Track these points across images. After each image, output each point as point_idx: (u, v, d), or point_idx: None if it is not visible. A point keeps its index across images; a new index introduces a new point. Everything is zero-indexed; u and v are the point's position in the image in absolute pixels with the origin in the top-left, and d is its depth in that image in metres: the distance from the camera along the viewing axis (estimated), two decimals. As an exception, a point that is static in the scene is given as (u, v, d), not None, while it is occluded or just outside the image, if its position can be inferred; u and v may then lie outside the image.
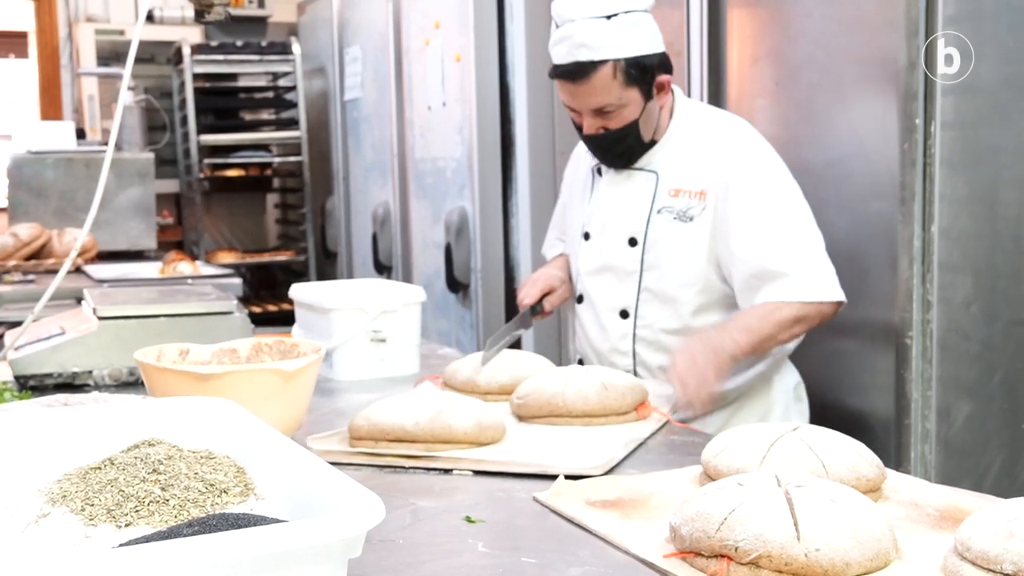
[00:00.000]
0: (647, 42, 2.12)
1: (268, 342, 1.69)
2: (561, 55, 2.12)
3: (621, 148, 2.21)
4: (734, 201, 2.12)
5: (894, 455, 2.19)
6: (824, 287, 2.08)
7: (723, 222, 2.13)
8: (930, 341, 2.15)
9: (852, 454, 1.29)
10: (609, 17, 2.09)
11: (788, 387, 2.28)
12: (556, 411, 1.70)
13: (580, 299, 2.36)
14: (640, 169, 2.24)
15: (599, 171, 2.32)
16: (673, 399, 1.89)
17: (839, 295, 2.09)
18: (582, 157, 2.43)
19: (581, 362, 2.38)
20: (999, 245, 2.14)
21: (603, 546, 1.17)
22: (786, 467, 1.25)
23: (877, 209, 2.26)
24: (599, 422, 1.69)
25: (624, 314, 2.25)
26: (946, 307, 2.14)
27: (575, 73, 2.10)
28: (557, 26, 2.14)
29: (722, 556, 1.04)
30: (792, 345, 2.23)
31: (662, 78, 2.16)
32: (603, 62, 2.08)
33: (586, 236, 2.32)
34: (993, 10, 2.10)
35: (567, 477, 1.39)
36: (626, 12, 2.10)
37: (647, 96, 2.15)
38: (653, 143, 2.22)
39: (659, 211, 2.19)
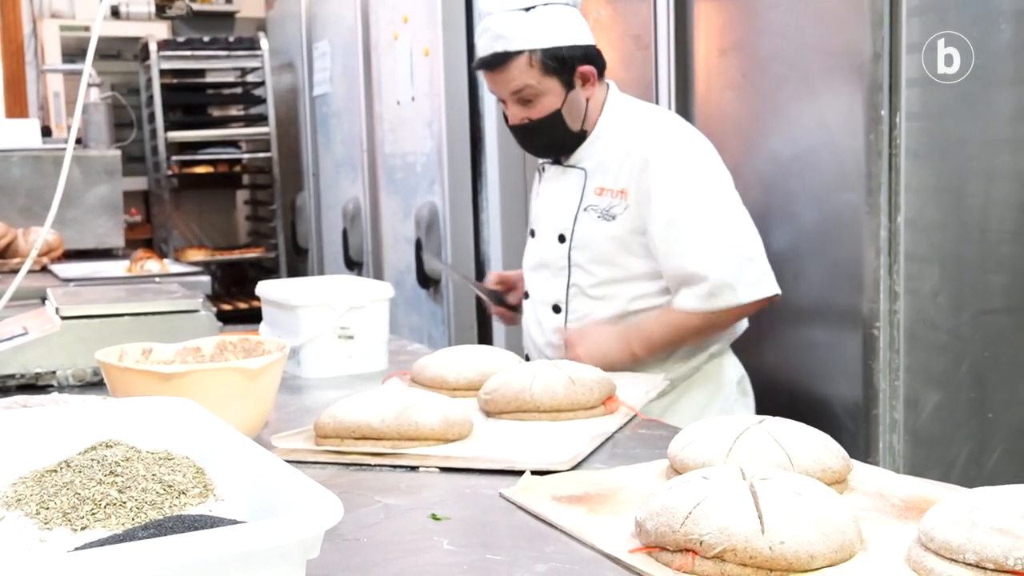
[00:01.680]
0: (566, 34, 2.17)
1: (232, 340, 1.67)
2: (482, 47, 2.19)
3: (547, 139, 2.25)
4: (654, 201, 2.13)
5: (862, 445, 2.20)
6: (741, 290, 2.09)
7: (645, 222, 2.15)
8: (897, 331, 2.16)
9: (818, 446, 1.29)
10: (528, 9, 2.16)
11: (732, 380, 2.30)
12: (523, 406, 1.69)
13: (526, 295, 2.41)
14: (572, 166, 2.28)
15: (543, 168, 2.36)
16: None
17: (759, 293, 2.10)
18: None
19: (528, 358, 2.40)
20: (965, 235, 2.15)
21: (569, 542, 1.17)
22: (752, 460, 1.25)
23: (844, 200, 2.26)
24: (566, 417, 1.68)
25: (556, 308, 2.29)
26: (913, 297, 2.15)
27: (492, 63, 2.18)
28: (480, 19, 2.20)
29: (687, 550, 1.04)
30: (740, 330, 2.27)
31: (584, 69, 2.20)
32: (518, 52, 2.15)
33: (532, 233, 2.38)
34: (957, 2, 2.10)
35: (533, 473, 1.38)
36: (545, 4, 2.16)
37: (567, 86, 2.19)
38: (584, 134, 2.24)
39: (585, 209, 2.23)
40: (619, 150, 2.21)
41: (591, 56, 2.22)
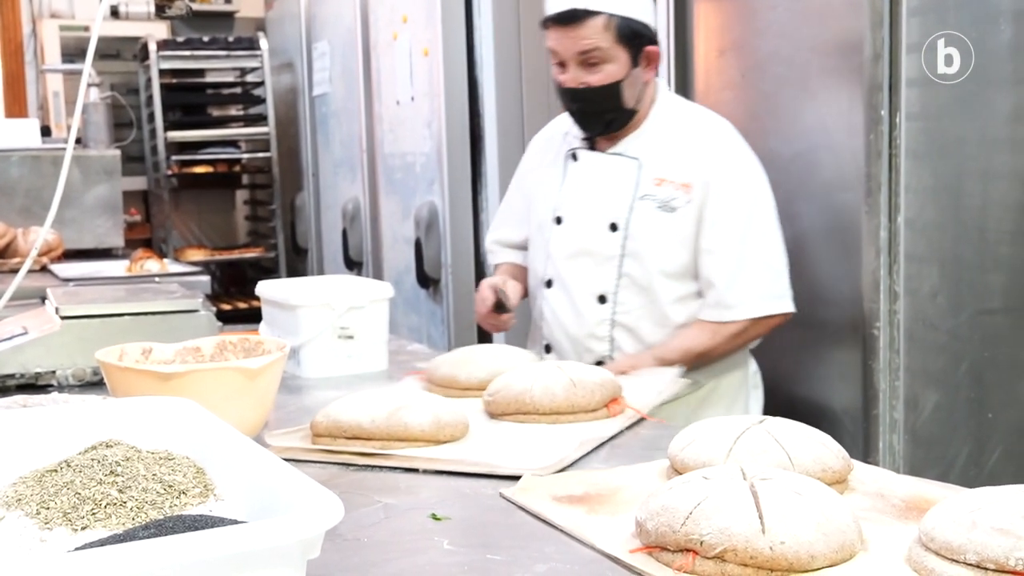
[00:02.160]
0: (644, 11, 2.18)
1: (232, 340, 1.66)
2: (557, 4, 2.16)
3: (600, 108, 2.21)
4: (712, 201, 2.15)
5: (862, 445, 2.20)
6: (771, 302, 2.16)
7: (701, 219, 2.17)
8: (897, 331, 2.16)
9: (818, 446, 1.29)
10: None
11: (750, 374, 2.35)
12: (523, 408, 1.69)
13: (549, 284, 2.34)
14: (620, 155, 2.25)
15: (574, 156, 2.31)
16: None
17: (784, 308, 2.17)
18: (547, 147, 2.43)
19: (548, 348, 2.37)
20: (965, 235, 2.15)
21: (569, 542, 1.17)
22: (752, 460, 1.25)
23: (843, 200, 2.26)
24: (567, 419, 1.67)
25: (602, 299, 2.25)
26: (913, 297, 2.15)
27: (568, 18, 2.15)
28: None
29: (688, 550, 1.04)
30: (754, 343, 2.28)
31: (651, 49, 2.20)
32: (598, 13, 2.13)
33: (558, 220, 2.31)
34: (956, 2, 2.10)
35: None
36: None
37: (634, 61, 2.18)
38: (633, 113, 2.22)
39: (642, 198, 2.20)
40: (680, 142, 2.21)
41: (656, 41, 2.22)
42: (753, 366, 2.36)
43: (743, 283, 2.15)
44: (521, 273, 2.48)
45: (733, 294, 2.15)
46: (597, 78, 2.17)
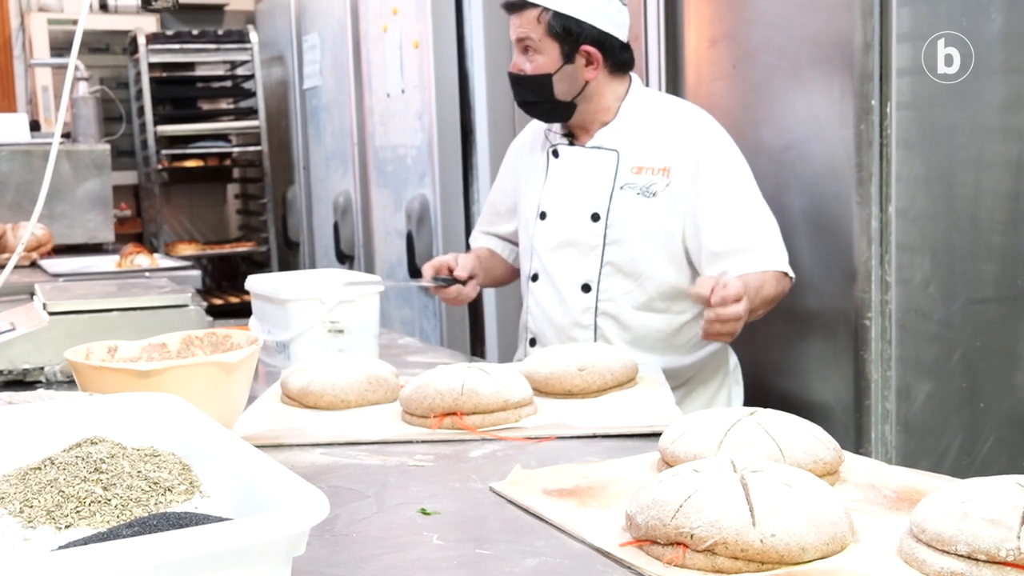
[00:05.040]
0: (587, 11, 2.21)
1: (199, 335, 1.64)
2: None
3: (531, 97, 2.31)
4: (705, 177, 2.19)
5: (854, 436, 2.19)
6: (782, 258, 2.19)
7: (691, 198, 2.20)
8: (889, 322, 2.15)
9: (809, 438, 1.28)
10: None
11: (731, 368, 2.38)
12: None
13: (535, 277, 2.38)
14: (599, 147, 2.29)
15: (555, 153, 2.35)
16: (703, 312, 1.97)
17: (791, 270, 2.21)
18: (531, 142, 2.47)
19: (533, 342, 2.39)
20: (956, 225, 2.15)
21: (560, 536, 1.16)
22: (743, 452, 1.24)
23: (835, 190, 2.26)
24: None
25: (586, 288, 2.28)
26: (904, 287, 2.15)
27: (509, 6, 2.27)
28: None
29: (678, 543, 1.03)
30: None
31: (589, 49, 2.23)
32: (533, 5, 2.21)
33: (542, 215, 2.36)
34: (947, -10, 2.10)
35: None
36: None
37: (566, 57, 2.24)
38: (570, 107, 2.28)
39: (621, 187, 2.25)
40: (655, 130, 2.25)
41: (605, 44, 2.24)
42: (733, 360, 2.38)
43: (766, 240, 2.19)
44: (488, 255, 2.57)
45: (760, 249, 2.17)
46: (530, 67, 2.26)
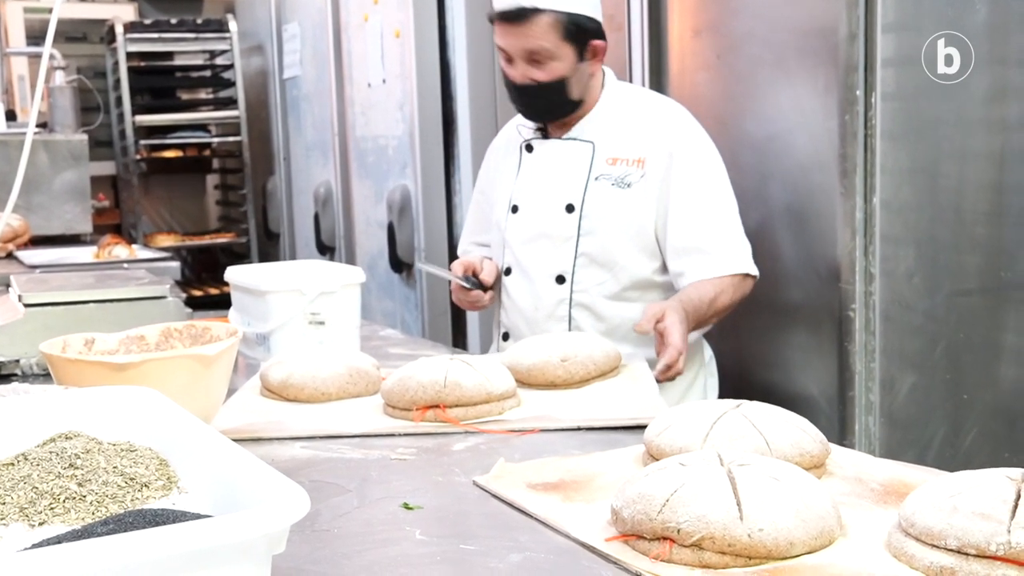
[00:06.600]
0: (588, 5, 2.18)
1: (178, 327, 1.62)
2: (504, 1, 2.16)
3: (547, 103, 2.25)
4: (678, 170, 2.18)
5: (838, 427, 2.19)
6: (740, 261, 2.17)
7: (663, 190, 2.18)
8: (873, 313, 2.15)
9: (796, 430, 1.27)
10: None
11: (706, 360, 2.35)
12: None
13: (508, 271, 2.37)
14: (574, 139, 2.27)
15: (528, 147, 2.33)
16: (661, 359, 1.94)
17: (752, 269, 2.19)
18: (506, 144, 2.44)
19: (507, 336, 2.37)
20: (940, 216, 2.14)
21: (544, 530, 1.14)
22: (729, 445, 1.23)
23: (819, 181, 2.25)
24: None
25: (560, 279, 2.27)
26: (889, 279, 2.14)
27: (515, 16, 2.15)
28: None
29: (664, 538, 1.02)
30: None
31: (596, 43, 2.21)
32: (544, 11, 2.13)
33: (514, 209, 2.34)
34: (932, -20, 2.09)
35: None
36: None
37: (580, 56, 2.19)
38: (579, 103, 2.25)
39: (596, 178, 2.23)
40: (631, 122, 2.23)
41: (602, 34, 2.23)
42: (708, 353, 2.37)
43: (727, 241, 2.17)
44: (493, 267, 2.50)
45: (721, 251, 2.16)
46: (544, 74, 2.19)
